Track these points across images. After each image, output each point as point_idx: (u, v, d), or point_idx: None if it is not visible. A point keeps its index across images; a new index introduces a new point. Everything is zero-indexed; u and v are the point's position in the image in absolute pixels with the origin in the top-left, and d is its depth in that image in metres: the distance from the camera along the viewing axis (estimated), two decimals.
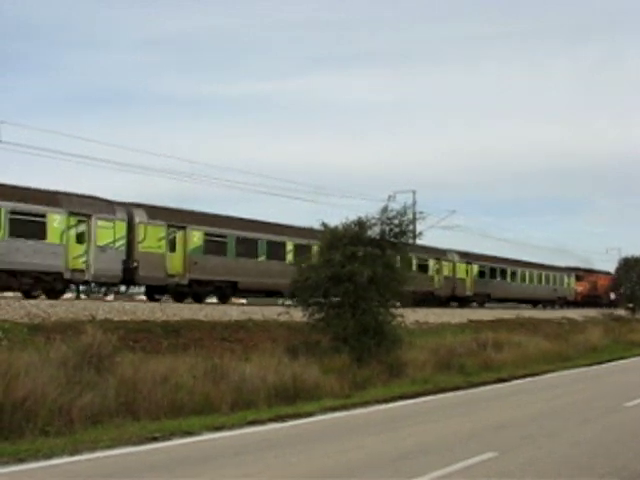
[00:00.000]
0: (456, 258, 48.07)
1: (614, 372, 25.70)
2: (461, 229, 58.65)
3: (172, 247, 28.15)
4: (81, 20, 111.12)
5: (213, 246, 29.70)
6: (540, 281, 60.71)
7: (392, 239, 20.84)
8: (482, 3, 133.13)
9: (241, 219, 32.16)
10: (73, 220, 25.39)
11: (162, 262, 27.63)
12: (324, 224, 21.04)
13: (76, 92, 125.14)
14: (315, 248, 22.29)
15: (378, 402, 15.68)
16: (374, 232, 20.79)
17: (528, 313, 47.26)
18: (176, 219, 28.64)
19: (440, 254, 46.40)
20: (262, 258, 31.74)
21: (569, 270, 67.16)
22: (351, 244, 20.01)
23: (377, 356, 19.19)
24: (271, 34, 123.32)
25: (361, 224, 20.71)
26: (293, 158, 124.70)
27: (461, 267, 48.47)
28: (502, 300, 54.68)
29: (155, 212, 28.07)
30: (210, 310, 24.30)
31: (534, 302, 60.22)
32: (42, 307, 19.58)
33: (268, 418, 13.06)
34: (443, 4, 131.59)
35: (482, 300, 51.09)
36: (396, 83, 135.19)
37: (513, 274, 56.21)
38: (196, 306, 25.42)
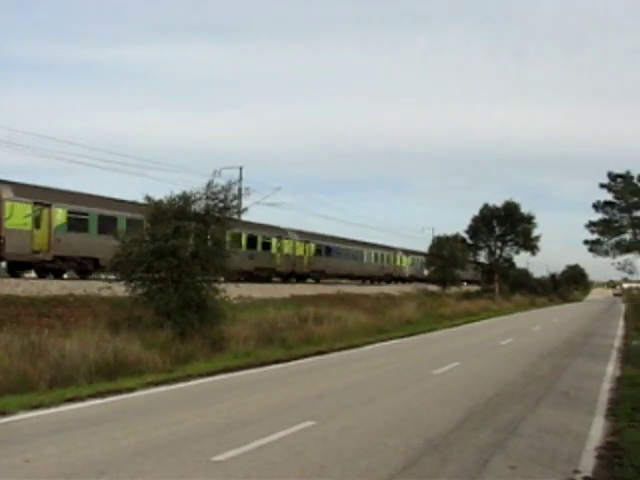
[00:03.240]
0: (295, 237, 49.60)
1: (426, 343, 27.32)
2: (286, 206, 60.11)
3: (37, 224, 28.40)
4: None
5: (76, 223, 30.44)
6: (370, 259, 64.42)
7: (217, 214, 20.96)
8: None
9: (102, 197, 33.30)
10: None
11: (28, 238, 27.79)
12: (148, 197, 20.80)
13: None
14: None
15: (201, 376, 15.80)
16: (199, 207, 20.81)
17: (348, 289, 49.13)
18: (42, 197, 29.05)
19: (281, 233, 48.01)
20: (122, 235, 31.67)
21: (395, 249, 71.38)
22: (175, 218, 19.95)
23: (200, 331, 19.30)
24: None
25: (186, 198, 20.67)
26: (124, 129, 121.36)
27: (300, 246, 50.03)
28: (337, 276, 57.30)
29: (21, 189, 28.29)
30: (28, 285, 23.39)
31: (364, 278, 63.43)
32: None
33: (88, 395, 12.85)
34: None
35: (318, 277, 53.11)
36: (236, 58, 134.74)
37: (346, 252, 59.02)
38: (13, 281, 24.35)
